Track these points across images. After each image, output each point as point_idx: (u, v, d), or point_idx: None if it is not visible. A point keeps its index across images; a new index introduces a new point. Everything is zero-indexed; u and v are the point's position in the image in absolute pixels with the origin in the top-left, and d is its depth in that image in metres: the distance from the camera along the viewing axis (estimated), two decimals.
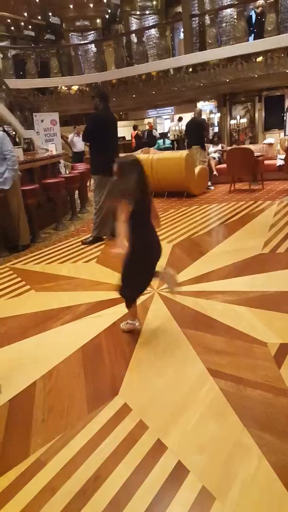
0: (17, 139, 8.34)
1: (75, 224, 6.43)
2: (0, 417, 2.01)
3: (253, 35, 11.19)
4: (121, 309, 3.08)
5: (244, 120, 13.23)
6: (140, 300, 3.20)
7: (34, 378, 2.29)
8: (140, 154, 8.99)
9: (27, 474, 1.64)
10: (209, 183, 8.33)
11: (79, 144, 10.50)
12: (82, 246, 5.01)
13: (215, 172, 8.66)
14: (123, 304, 3.14)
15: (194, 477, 1.54)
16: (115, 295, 3.33)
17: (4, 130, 5.87)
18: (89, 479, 1.58)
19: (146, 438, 1.76)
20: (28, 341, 2.76)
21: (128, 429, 1.82)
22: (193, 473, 1.56)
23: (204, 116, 15.31)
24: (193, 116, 8.74)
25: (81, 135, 9.93)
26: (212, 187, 8.31)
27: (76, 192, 7.18)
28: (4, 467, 1.68)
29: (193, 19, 12.35)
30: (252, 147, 8.66)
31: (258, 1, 10.87)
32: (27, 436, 1.85)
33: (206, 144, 8.82)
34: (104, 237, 5.15)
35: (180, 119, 15.00)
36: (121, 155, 6.33)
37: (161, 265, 2.70)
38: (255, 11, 11.08)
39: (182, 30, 12.68)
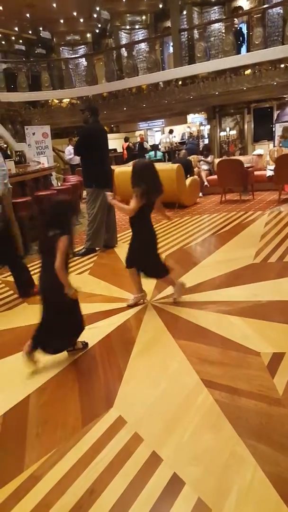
0: (8, 152, 8.37)
1: None
2: None
3: (245, 46, 11.45)
4: (115, 320, 3.08)
5: (233, 132, 13.43)
6: (133, 311, 3.23)
7: (28, 392, 2.27)
8: (131, 166, 9.08)
9: (21, 490, 1.62)
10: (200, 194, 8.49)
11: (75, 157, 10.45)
12: (75, 258, 5.01)
13: (206, 183, 8.77)
14: (117, 315, 3.16)
15: (190, 489, 1.54)
16: (109, 306, 3.36)
17: None
18: (84, 493, 1.57)
19: (142, 450, 1.76)
20: (22, 355, 2.74)
21: (123, 442, 1.81)
22: (188, 485, 1.55)
23: (194, 129, 15.71)
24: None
25: None
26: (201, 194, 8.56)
27: None
28: None
29: (182, 33, 12.61)
30: (242, 158, 8.79)
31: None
32: (21, 451, 1.84)
33: (196, 156, 9.31)
34: (97, 248, 5.16)
35: (171, 131, 15.20)
36: (113, 167, 6.39)
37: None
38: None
39: (171, 44, 12.92)
